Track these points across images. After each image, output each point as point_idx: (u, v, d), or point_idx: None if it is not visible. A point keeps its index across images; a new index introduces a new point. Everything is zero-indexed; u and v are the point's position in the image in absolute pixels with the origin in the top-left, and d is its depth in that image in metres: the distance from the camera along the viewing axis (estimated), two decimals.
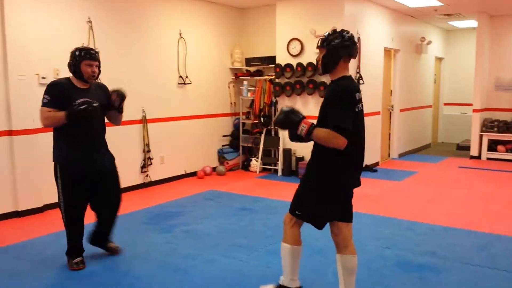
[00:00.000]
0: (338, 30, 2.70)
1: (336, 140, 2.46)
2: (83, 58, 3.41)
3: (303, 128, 2.52)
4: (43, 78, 5.16)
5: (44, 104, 3.40)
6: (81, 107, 3.31)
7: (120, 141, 5.99)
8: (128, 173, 6.27)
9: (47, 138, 5.11)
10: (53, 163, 3.56)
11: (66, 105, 3.34)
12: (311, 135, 2.52)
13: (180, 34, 6.95)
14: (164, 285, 3.31)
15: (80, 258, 3.58)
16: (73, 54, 3.47)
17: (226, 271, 3.54)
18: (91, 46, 5.61)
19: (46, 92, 3.41)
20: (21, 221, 4.89)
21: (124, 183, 6.18)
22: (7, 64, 4.86)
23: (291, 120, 2.54)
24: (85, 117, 3.36)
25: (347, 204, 2.77)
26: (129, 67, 6.18)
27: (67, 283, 3.36)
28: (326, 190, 2.67)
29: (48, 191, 5.24)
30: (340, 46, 2.60)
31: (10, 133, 4.95)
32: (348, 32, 2.67)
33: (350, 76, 2.68)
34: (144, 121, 6.41)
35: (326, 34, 2.67)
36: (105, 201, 3.68)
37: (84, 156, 3.48)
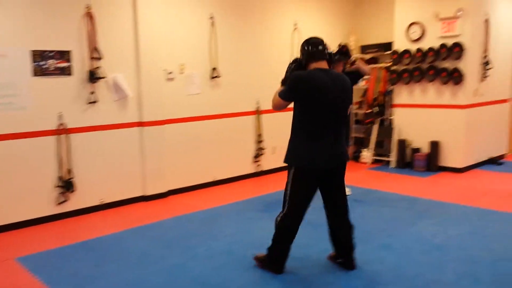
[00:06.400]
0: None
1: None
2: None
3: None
4: (170, 73, 5.56)
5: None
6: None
7: (235, 132, 6.31)
8: (241, 162, 6.55)
9: (172, 129, 5.60)
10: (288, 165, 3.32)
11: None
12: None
13: (295, 26, 7.01)
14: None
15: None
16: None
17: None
18: (213, 42, 5.90)
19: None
20: (148, 205, 5.35)
21: (237, 172, 6.55)
22: (140, 60, 5.27)
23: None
24: None
25: None
26: (246, 61, 6.40)
27: (189, 264, 3.63)
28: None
29: (171, 177, 5.69)
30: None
31: (141, 124, 5.37)
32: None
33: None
34: (257, 112, 6.62)
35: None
36: (333, 202, 3.41)
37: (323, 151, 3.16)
